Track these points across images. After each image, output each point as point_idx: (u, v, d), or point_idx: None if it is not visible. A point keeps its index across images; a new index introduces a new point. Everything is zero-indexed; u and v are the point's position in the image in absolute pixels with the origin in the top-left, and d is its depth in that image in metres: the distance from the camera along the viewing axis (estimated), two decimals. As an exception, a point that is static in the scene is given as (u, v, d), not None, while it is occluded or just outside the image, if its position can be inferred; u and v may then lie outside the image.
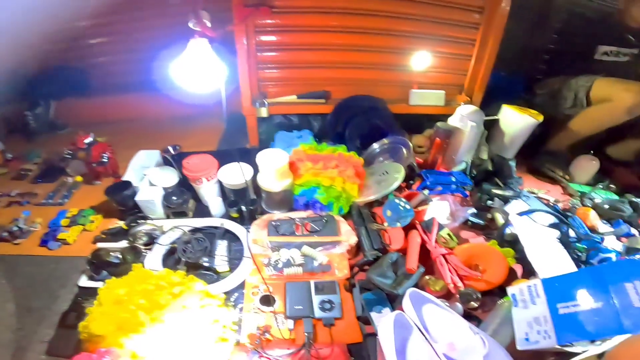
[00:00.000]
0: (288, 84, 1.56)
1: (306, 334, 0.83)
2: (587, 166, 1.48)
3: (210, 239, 1.07)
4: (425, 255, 1.01)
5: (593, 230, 1.16)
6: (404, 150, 1.37)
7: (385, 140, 1.41)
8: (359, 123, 1.46)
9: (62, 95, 2.00)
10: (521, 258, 1.00)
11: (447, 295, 0.94)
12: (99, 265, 1.00)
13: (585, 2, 1.76)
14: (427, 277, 0.96)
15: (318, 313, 0.88)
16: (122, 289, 0.83)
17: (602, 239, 1.07)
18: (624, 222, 1.21)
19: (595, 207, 1.27)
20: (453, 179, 1.32)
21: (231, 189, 1.15)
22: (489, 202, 1.24)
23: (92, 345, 0.77)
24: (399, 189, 1.22)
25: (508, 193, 1.26)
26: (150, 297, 0.81)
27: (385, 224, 1.09)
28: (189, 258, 1.01)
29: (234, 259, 1.04)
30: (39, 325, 0.91)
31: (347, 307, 0.91)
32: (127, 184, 1.15)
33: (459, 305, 0.90)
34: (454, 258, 0.98)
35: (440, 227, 1.08)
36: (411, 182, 1.34)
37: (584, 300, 0.70)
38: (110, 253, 1.03)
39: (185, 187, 1.21)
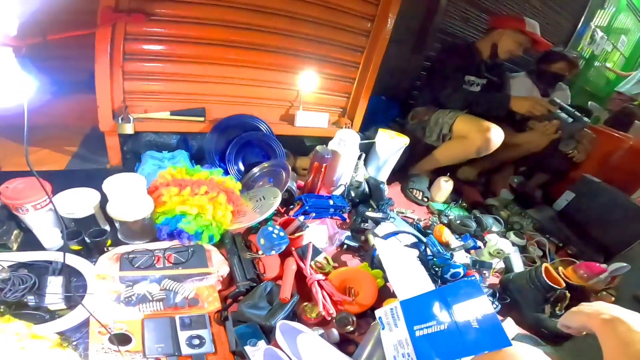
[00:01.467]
0: (161, 98, 1.42)
1: None
2: (443, 186, 1.68)
3: (40, 275, 0.87)
4: (302, 282, 1.00)
5: (447, 246, 1.30)
6: (284, 174, 1.35)
7: (265, 164, 1.38)
8: (240, 144, 1.39)
9: None
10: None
11: (324, 321, 0.93)
12: None
13: (454, 32, 2.01)
14: (304, 304, 0.95)
15: (185, 350, 0.79)
16: None
17: (452, 255, 1.20)
18: (471, 236, 1.38)
19: (450, 224, 1.44)
20: (331, 202, 1.35)
21: (71, 218, 0.95)
22: (364, 224, 1.29)
23: None
24: (278, 214, 1.18)
25: (379, 215, 1.33)
26: None
27: (260, 252, 1.03)
28: (6, 298, 0.79)
29: (74, 295, 0.86)
30: None
31: (220, 341, 0.84)
32: None
33: (335, 332, 0.89)
34: (327, 284, 0.98)
35: (318, 251, 1.09)
36: (291, 206, 1.31)
37: (435, 322, 0.72)
38: None
39: (7, 215, 0.96)
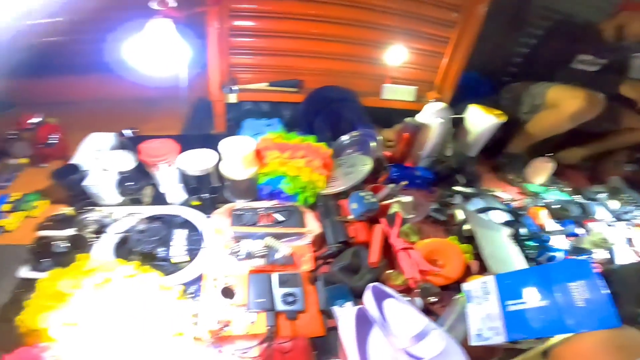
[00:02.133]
0: (260, 71, 1.51)
1: (268, 328, 0.80)
2: (542, 168, 1.54)
3: (167, 228, 1.00)
4: (388, 249, 1.01)
5: (542, 229, 1.20)
6: (373, 144, 1.35)
7: (354, 133, 1.40)
8: (329, 114, 1.44)
9: (8, 74, 1.80)
10: (478, 254, 1.01)
11: (407, 290, 0.95)
12: (42, 255, 0.91)
13: (568, 11, 1.82)
14: (388, 271, 0.96)
15: (280, 306, 0.86)
16: (66, 281, 0.75)
17: (549, 238, 1.11)
18: (573, 222, 1.26)
19: (547, 207, 1.32)
20: (418, 174, 1.33)
21: (192, 175, 1.08)
22: (450, 198, 1.26)
23: (32, 339, 0.71)
24: (366, 182, 1.20)
25: (468, 190, 1.28)
26: (98, 290, 0.74)
27: (350, 217, 1.07)
28: (143, 248, 0.94)
29: (193, 249, 0.99)
30: None
31: (311, 300, 0.89)
32: (75, 168, 1.05)
33: (418, 301, 0.90)
34: (415, 252, 0.98)
35: (404, 221, 1.08)
36: (378, 175, 1.32)
37: (531, 298, 0.71)
38: (55, 242, 0.94)
39: (143, 172, 1.12)
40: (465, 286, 0.85)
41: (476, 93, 1.83)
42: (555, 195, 1.45)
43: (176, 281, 0.88)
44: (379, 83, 1.61)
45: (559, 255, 1.04)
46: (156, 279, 0.84)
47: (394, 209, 1.12)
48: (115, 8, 1.76)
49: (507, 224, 1.14)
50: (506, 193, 1.45)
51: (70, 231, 0.99)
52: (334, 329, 0.83)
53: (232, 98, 1.43)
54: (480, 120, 1.50)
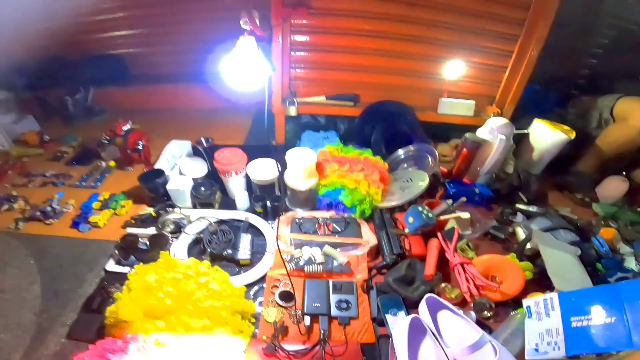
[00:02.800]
0: (318, 84, 1.58)
1: (322, 331, 0.84)
2: (614, 187, 1.43)
3: (234, 232, 1.08)
4: (442, 263, 1.02)
5: (613, 249, 1.13)
6: (430, 159, 1.36)
7: (411, 147, 1.41)
8: (385, 128, 1.46)
9: (101, 82, 2.07)
10: (539, 272, 1.00)
11: (461, 303, 0.95)
12: (128, 251, 1.03)
13: (638, 19, 1.71)
14: (443, 284, 0.97)
15: (334, 312, 0.90)
16: (152, 276, 0.85)
17: (620, 259, 1.04)
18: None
19: (618, 228, 1.24)
20: (477, 191, 1.30)
21: (258, 184, 1.16)
22: (512, 216, 1.22)
23: (117, 331, 0.79)
24: (421, 196, 1.21)
25: (532, 209, 1.24)
26: (177, 286, 0.83)
27: (406, 230, 1.09)
28: (213, 249, 1.03)
29: (257, 253, 1.06)
30: (64, 309, 0.93)
31: (363, 308, 0.92)
32: (160, 173, 1.18)
33: (472, 314, 0.91)
34: (472, 268, 0.98)
35: (461, 237, 1.07)
36: (434, 191, 1.32)
37: (598, 315, 0.71)
38: (139, 239, 1.05)
39: (213, 178, 1.23)
40: (526, 302, 0.85)
41: (540, 107, 1.75)
42: (627, 216, 1.34)
43: (240, 282, 0.96)
44: (435, 97, 1.60)
45: (629, 276, 0.97)
46: (224, 279, 0.91)
47: (451, 224, 1.11)
48: (196, 23, 1.95)
49: (575, 243, 1.08)
50: (574, 212, 1.36)
51: (152, 230, 1.10)
52: (383, 337, 0.86)
53: (292, 111, 1.51)
54: (547, 136, 1.44)
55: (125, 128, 1.37)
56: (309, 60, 1.53)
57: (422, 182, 1.22)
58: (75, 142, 1.71)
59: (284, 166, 1.18)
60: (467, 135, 1.36)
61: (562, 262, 0.98)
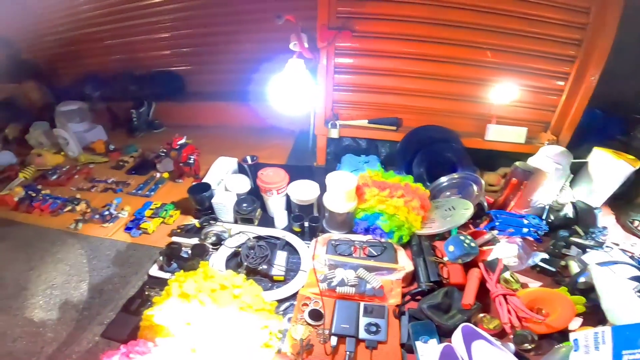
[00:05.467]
0: (361, 107, 1.61)
1: (347, 353, 0.85)
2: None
3: (271, 248, 1.11)
4: (482, 293, 0.99)
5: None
6: (475, 187, 1.30)
7: (454, 175, 1.37)
8: (428, 154, 1.43)
9: (160, 97, 2.26)
10: (591, 307, 0.94)
11: (499, 335, 0.91)
12: (171, 258, 1.08)
13: None
14: (481, 314, 0.93)
15: (363, 334, 0.89)
16: (190, 284, 0.88)
17: None
18: None
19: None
20: (525, 222, 1.22)
21: (298, 204, 1.18)
22: (565, 249, 1.14)
23: (150, 333, 0.84)
24: (463, 226, 1.16)
25: (588, 242, 1.15)
26: (214, 296, 0.85)
27: (445, 258, 1.06)
28: (250, 263, 1.05)
29: (290, 270, 1.07)
30: (104, 308, 1.02)
31: (392, 333, 0.91)
32: (207, 187, 1.25)
33: (511, 345, 0.86)
34: (515, 299, 0.94)
35: (505, 268, 1.03)
36: (478, 220, 1.25)
37: None
38: (182, 248, 1.11)
39: (255, 195, 1.27)
40: (573, 335, 0.81)
41: (602, 134, 1.62)
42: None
43: (273, 297, 0.99)
44: (483, 123, 1.56)
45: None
46: (258, 293, 0.93)
47: (495, 255, 1.06)
48: (249, 44, 2.07)
49: (635, 279, 0.97)
50: (635, 247, 1.23)
51: (195, 240, 1.15)
52: None
53: (334, 133, 1.54)
54: (609, 166, 1.34)
55: (180, 142, 1.48)
56: (352, 83, 1.57)
57: (466, 210, 1.17)
58: (135, 153, 1.86)
59: (323, 188, 1.19)
60: (517, 164, 1.30)
61: (619, 297, 0.91)
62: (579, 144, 1.51)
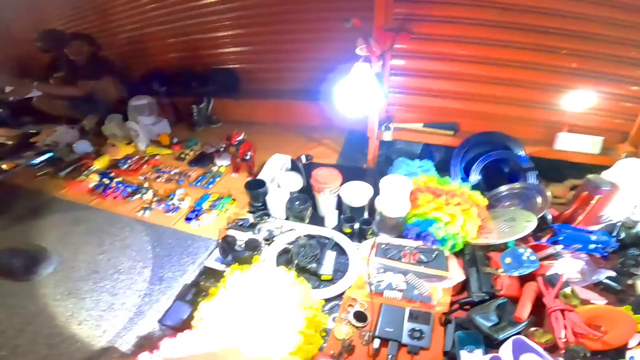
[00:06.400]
0: (416, 110, 1.60)
1: (389, 356, 0.86)
2: None
3: (321, 248, 1.13)
4: (536, 307, 0.95)
5: None
6: (539, 199, 1.22)
7: (516, 185, 1.30)
8: (487, 161, 1.36)
9: (218, 94, 2.38)
10: None
11: (550, 349, 0.87)
12: (226, 250, 1.14)
13: None
14: (533, 328, 0.91)
15: (406, 339, 0.90)
16: (245, 278, 0.93)
17: None
18: None
19: None
20: (593, 238, 1.13)
21: (349, 205, 1.18)
22: (634, 268, 1.08)
23: (204, 324, 0.88)
24: (521, 238, 1.11)
25: None
26: (265, 291, 0.89)
27: (500, 270, 1.03)
28: (300, 261, 1.08)
29: (338, 271, 1.09)
30: (163, 295, 1.10)
31: (436, 340, 0.91)
32: (262, 183, 1.31)
33: None
34: (573, 315, 0.89)
35: (565, 283, 0.98)
36: (539, 233, 1.18)
37: None
38: (237, 241, 1.16)
39: (307, 193, 1.30)
40: (630, 352, 0.81)
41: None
42: None
43: (320, 295, 1.02)
44: (550, 130, 1.47)
45: None
46: (307, 291, 0.95)
47: (556, 270, 1.02)
48: (306, 43, 2.13)
49: None
50: None
51: (249, 234, 1.21)
52: None
53: (387, 136, 1.53)
54: None
55: (238, 139, 1.54)
56: (408, 85, 1.56)
57: (528, 223, 1.11)
58: (195, 146, 1.98)
59: (375, 191, 1.19)
60: (590, 177, 1.21)
61: None
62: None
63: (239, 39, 2.45)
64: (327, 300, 1.03)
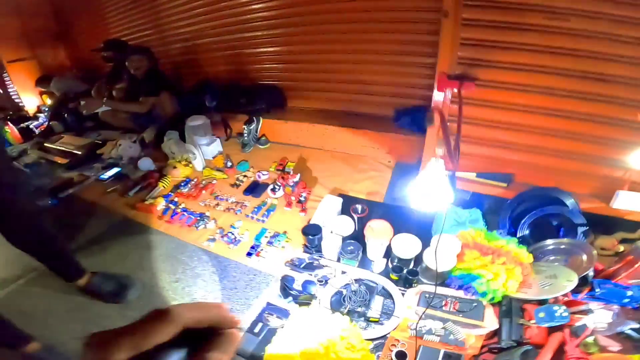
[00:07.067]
0: (469, 159, 1.89)
1: None
2: None
3: (369, 291, 1.47)
4: (558, 354, 1.25)
5: None
6: (584, 257, 1.47)
7: (564, 240, 1.56)
8: (539, 216, 1.61)
9: (266, 112, 2.81)
10: None
11: None
12: (285, 289, 1.51)
13: None
14: None
15: None
16: (307, 321, 1.31)
17: None
18: None
19: None
20: (629, 294, 1.37)
21: (399, 257, 1.51)
22: None
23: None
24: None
25: None
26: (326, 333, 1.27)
27: (532, 322, 1.33)
28: (352, 305, 1.42)
29: (384, 313, 1.43)
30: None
31: None
32: (318, 229, 1.66)
33: None
34: None
35: (591, 333, 1.28)
36: (579, 288, 1.44)
37: None
38: (295, 282, 1.53)
39: (356, 238, 1.63)
40: None
41: None
42: None
43: (367, 335, 1.39)
44: (609, 187, 1.67)
45: None
46: (359, 335, 1.30)
47: (585, 321, 1.29)
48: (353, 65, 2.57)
49: None
50: None
51: (305, 275, 1.57)
52: None
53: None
54: None
55: (294, 180, 1.92)
56: (462, 133, 1.79)
57: (569, 282, 1.39)
58: (247, 171, 2.45)
59: (424, 242, 1.51)
60: (638, 243, 1.42)
61: None
62: None
63: (286, 57, 2.91)
64: (374, 340, 1.40)
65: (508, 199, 1.81)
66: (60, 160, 3.07)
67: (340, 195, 2.09)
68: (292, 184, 2.00)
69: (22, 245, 1.54)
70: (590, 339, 1.27)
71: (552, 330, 1.32)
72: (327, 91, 2.84)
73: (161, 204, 2.21)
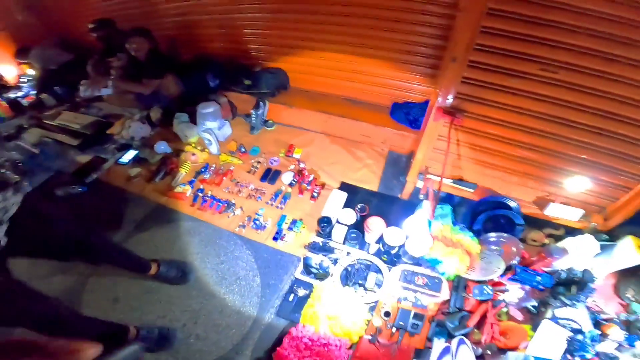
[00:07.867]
0: (448, 169, 2.85)
1: (400, 337, 2.38)
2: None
3: (367, 269, 2.51)
4: (482, 320, 2.44)
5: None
6: (514, 249, 2.54)
7: (504, 235, 2.65)
8: (489, 214, 2.67)
9: (271, 95, 3.64)
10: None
11: (478, 343, 2.35)
12: (307, 268, 2.53)
13: None
14: (475, 330, 2.42)
15: (409, 328, 2.42)
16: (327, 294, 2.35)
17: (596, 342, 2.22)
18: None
19: (629, 322, 2.34)
20: (538, 279, 2.48)
21: (388, 244, 2.55)
22: (553, 300, 2.45)
23: (307, 321, 2.41)
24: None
25: (567, 300, 2.41)
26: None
27: (471, 295, 2.51)
28: (356, 279, 2.47)
29: (377, 285, 2.50)
30: (272, 296, 2.60)
31: (425, 330, 2.46)
32: (329, 220, 2.68)
33: (479, 350, 2.32)
34: (496, 327, 2.37)
35: (505, 305, 2.44)
36: (506, 271, 2.54)
37: None
38: (314, 262, 2.54)
39: (359, 229, 2.65)
40: (510, 354, 2.20)
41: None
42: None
43: (365, 301, 2.45)
44: (544, 196, 2.78)
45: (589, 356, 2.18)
46: (359, 299, 2.37)
47: (503, 297, 2.45)
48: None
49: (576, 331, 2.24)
50: (608, 306, 2.48)
51: (320, 257, 2.59)
52: (428, 349, 2.38)
53: (420, 184, 2.79)
54: (631, 256, 2.47)
55: (309, 179, 2.88)
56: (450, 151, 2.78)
57: (498, 269, 2.50)
58: (258, 156, 3.43)
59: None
60: (552, 246, 2.58)
61: (552, 339, 2.19)
62: (625, 231, 2.60)
63: (291, 41, 3.71)
64: (369, 303, 2.50)
65: (472, 200, 2.95)
66: (66, 139, 3.65)
67: (342, 184, 3.17)
68: (307, 182, 3.04)
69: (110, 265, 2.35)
70: (504, 310, 2.44)
71: (481, 302, 2.47)
72: (329, 77, 3.67)
73: (189, 191, 3.12)
